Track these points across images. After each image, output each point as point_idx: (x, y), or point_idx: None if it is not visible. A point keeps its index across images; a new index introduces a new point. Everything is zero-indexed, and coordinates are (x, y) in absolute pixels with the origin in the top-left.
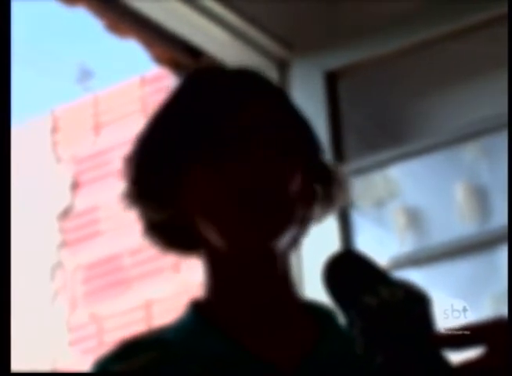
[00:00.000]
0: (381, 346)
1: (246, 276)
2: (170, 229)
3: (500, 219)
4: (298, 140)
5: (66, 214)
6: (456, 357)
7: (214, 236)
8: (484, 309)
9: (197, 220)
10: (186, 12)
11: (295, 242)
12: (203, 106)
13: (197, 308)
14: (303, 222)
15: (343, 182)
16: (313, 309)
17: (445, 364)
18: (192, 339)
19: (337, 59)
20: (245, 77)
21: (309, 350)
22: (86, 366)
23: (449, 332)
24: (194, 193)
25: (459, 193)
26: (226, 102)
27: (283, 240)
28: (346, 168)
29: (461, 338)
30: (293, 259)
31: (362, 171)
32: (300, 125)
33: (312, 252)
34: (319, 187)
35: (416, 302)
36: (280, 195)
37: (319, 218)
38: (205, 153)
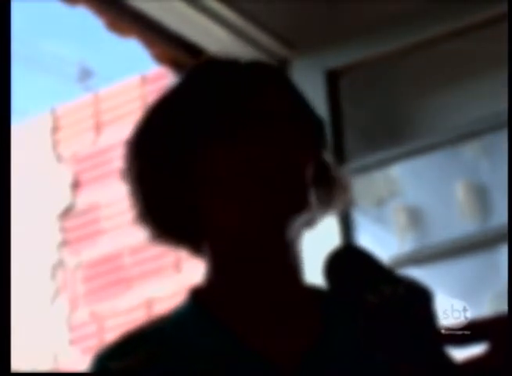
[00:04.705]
0: (383, 344)
1: (252, 264)
2: (172, 213)
3: (501, 218)
4: (309, 128)
5: (66, 213)
6: (459, 354)
7: (224, 217)
8: (484, 308)
9: (207, 202)
10: (187, 11)
11: (305, 228)
12: (216, 89)
13: (197, 297)
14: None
15: (345, 185)
16: (323, 297)
17: (448, 361)
18: (190, 332)
19: (337, 58)
20: (257, 66)
21: (313, 343)
22: (87, 365)
23: (452, 328)
24: (209, 172)
25: (460, 191)
26: (239, 85)
27: (296, 225)
28: (347, 167)
29: (464, 334)
30: None
31: (362, 170)
32: (310, 116)
33: (312, 251)
34: (319, 187)
35: (417, 298)
36: (296, 177)
37: (316, 219)
38: (219, 133)
